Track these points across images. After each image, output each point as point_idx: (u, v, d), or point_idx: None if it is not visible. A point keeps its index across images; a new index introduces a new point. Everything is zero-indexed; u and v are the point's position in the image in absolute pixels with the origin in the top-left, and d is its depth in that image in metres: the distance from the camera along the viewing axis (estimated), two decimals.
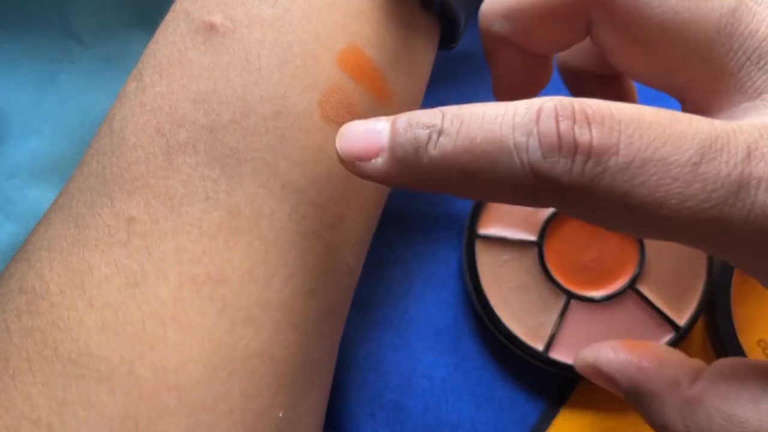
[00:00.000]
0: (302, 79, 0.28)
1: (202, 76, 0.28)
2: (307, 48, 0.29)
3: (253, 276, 0.27)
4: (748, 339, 0.39)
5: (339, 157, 0.26)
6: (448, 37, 0.35)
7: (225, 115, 0.28)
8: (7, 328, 0.26)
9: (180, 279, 0.26)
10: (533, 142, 0.23)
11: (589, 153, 0.22)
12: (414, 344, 0.41)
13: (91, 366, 0.25)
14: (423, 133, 0.24)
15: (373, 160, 0.25)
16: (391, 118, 0.25)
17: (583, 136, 0.22)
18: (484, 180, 0.24)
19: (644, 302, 0.39)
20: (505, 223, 0.40)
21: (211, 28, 0.28)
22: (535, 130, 0.23)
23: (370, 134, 0.26)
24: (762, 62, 0.25)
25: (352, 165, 0.26)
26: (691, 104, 0.28)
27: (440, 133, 0.24)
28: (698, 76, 0.26)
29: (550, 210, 0.40)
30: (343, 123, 0.29)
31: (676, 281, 0.39)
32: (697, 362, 0.29)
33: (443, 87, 0.45)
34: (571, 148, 0.22)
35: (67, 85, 0.41)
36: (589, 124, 0.22)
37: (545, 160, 0.22)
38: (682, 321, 0.39)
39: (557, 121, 0.22)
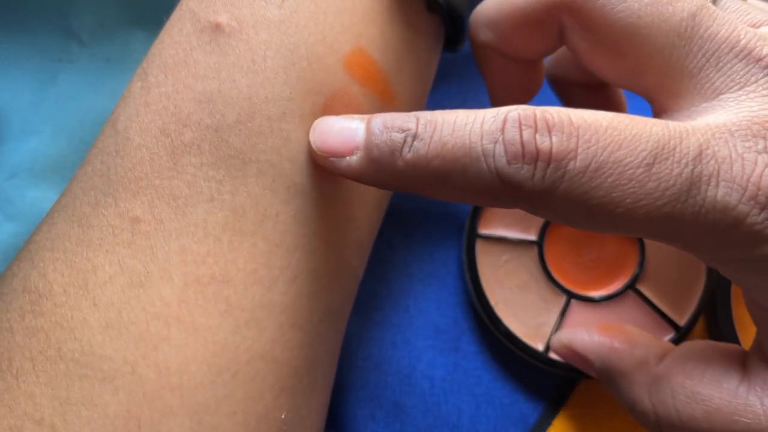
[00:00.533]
0: (308, 81, 0.28)
1: (208, 76, 0.28)
2: (313, 50, 0.29)
3: (258, 277, 0.27)
4: (747, 339, 0.39)
5: (312, 150, 0.28)
6: (452, 39, 0.35)
7: (230, 115, 0.27)
8: (11, 328, 0.26)
9: (184, 280, 0.26)
10: (499, 150, 0.25)
11: (549, 159, 0.24)
12: (414, 343, 0.41)
13: (95, 366, 0.25)
14: (398, 137, 0.26)
15: (348, 158, 0.27)
16: (365, 117, 0.27)
17: (543, 143, 0.24)
18: (455, 183, 0.26)
19: (644, 302, 0.39)
20: (506, 222, 0.40)
21: (217, 28, 0.28)
22: (500, 138, 0.25)
23: (346, 131, 0.27)
24: (720, 64, 0.26)
25: (326, 160, 0.27)
26: (657, 105, 0.29)
27: (414, 137, 0.26)
28: (662, 77, 0.28)
29: None
30: None
31: (677, 281, 0.39)
32: (667, 344, 0.31)
33: (444, 87, 0.45)
34: (533, 155, 0.24)
35: (66, 84, 0.41)
36: (549, 131, 0.24)
37: (510, 166, 0.24)
38: (682, 321, 0.39)
39: (521, 130, 0.24)
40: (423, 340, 0.41)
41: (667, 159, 0.24)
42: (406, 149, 0.26)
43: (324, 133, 0.28)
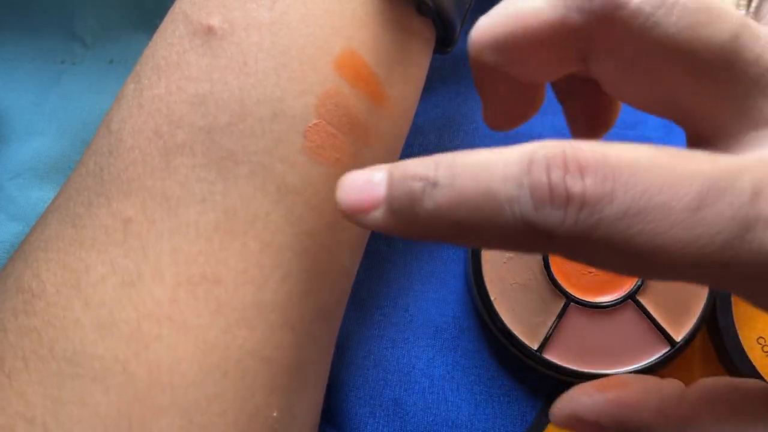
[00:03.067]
0: (299, 82, 0.29)
1: (200, 78, 0.28)
2: (304, 52, 0.29)
3: (249, 277, 0.28)
4: (747, 336, 0.39)
5: (339, 208, 0.25)
6: (443, 41, 0.35)
7: (222, 117, 0.28)
8: (4, 328, 0.27)
9: (175, 279, 0.27)
10: (524, 194, 0.22)
11: (582, 203, 0.21)
12: (414, 342, 0.41)
13: (86, 365, 0.25)
14: (417, 186, 0.23)
15: (372, 213, 0.24)
16: (388, 167, 0.25)
17: (575, 186, 0.21)
18: (478, 232, 0.23)
19: (643, 314, 0.39)
20: None
21: (209, 30, 0.29)
22: (526, 182, 0.22)
23: (368, 186, 0.25)
24: None
25: (352, 217, 0.25)
26: (693, 132, 0.26)
27: (434, 185, 0.23)
28: (702, 103, 0.25)
29: None
30: (340, 126, 0.29)
31: (677, 296, 0.39)
32: (675, 383, 0.28)
33: (443, 88, 0.45)
34: (563, 199, 0.21)
35: (69, 86, 0.41)
36: (581, 172, 0.21)
37: (537, 212, 0.22)
38: (678, 336, 0.38)
39: (548, 172, 0.22)
40: (422, 338, 0.41)
41: (716, 202, 0.21)
42: (426, 199, 0.23)
43: (348, 192, 0.25)
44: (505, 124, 0.31)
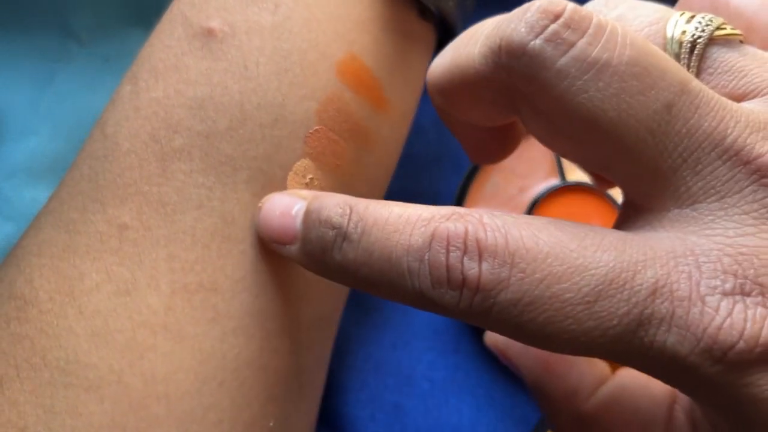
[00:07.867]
0: (300, 87, 0.28)
1: (199, 82, 0.28)
2: (306, 57, 0.29)
3: (246, 285, 0.27)
4: None
5: (258, 233, 0.27)
6: (444, 45, 0.35)
7: (221, 122, 0.27)
8: None
9: (171, 288, 0.26)
10: (424, 270, 0.22)
11: (477, 288, 0.21)
12: (414, 344, 0.41)
13: (80, 374, 0.25)
14: (329, 235, 0.24)
15: (288, 247, 0.26)
16: (308, 198, 0.26)
17: (471, 270, 0.21)
18: (383, 292, 0.24)
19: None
20: (491, 205, 0.41)
21: (210, 33, 0.28)
22: (426, 258, 0.22)
23: (286, 219, 0.26)
24: (700, 166, 0.22)
25: (271, 244, 0.27)
26: (628, 197, 0.25)
27: (344, 237, 0.24)
28: (631, 175, 0.23)
29: (537, 192, 0.41)
30: (341, 132, 0.29)
31: None
32: (602, 370, 0.29)
33: None
34: (458, 283, 0.22)
35: (64, 84, 0.41)
36: (480, 255, 0.22)
37: (434, 290, 0.22)
38: None
39: (447, 252, 0.22)
40: (423, 341, 0.41)
41: (613, 296, 0.21)
42: (336, 250, 0.24)
43: (266, 218, 0.27)
44: (486, 160, 0.31)
